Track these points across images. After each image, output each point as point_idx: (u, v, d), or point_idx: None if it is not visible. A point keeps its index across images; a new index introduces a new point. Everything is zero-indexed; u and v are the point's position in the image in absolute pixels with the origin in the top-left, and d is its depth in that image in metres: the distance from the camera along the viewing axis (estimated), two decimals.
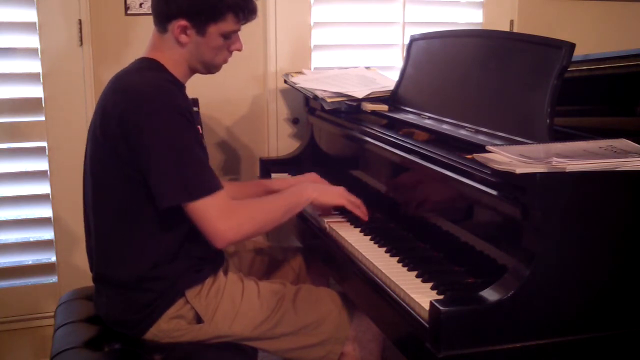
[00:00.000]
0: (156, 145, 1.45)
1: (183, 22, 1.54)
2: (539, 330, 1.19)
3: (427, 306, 1.17)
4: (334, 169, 2.22)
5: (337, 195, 1.73)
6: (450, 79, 1.80)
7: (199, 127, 1.65)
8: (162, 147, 1.45)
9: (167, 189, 1.45)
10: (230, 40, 1.61)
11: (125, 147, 1.47)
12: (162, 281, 1.54)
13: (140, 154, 1.46)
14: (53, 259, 2.37)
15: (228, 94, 2.46)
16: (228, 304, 1.59)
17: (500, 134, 1.51)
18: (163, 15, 1.56)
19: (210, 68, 1.64)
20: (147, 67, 1.58)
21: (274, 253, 1.97)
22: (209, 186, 1.47)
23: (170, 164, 1.45)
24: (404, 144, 1.64)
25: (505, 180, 1.23)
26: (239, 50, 1.65)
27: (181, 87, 1.61)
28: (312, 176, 1.91)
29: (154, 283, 1.54)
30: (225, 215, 1.49)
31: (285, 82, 2.37)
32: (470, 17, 2.73)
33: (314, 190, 1.70)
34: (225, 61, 1.65)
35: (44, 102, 2.26)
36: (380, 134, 1.78)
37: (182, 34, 1.55)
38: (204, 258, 1.58)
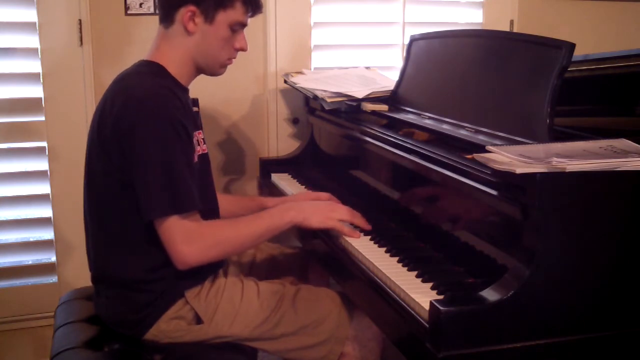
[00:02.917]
0: (143, 156, 1.43)
1: (192, 8, 1.53)
2: (539, 330, 1.19)
3: (427, 306, 1.17)
4: (334, 169, 2.22)
5: (325, 218, 1.59)
6: (450, 79, 1.80)
7: (200, 131, 1.63)
8: (148, 158, 1.43)
9: (147, 203, 1.44)
10: (236, 34, 1.60)
11: (118, 152, 1.46)
12: (161, 282, 1.54)
13: (129, 162, 1.44)
14: (53, 259, 2.37)
15: (228, 94, 2.46)
16: (228, 304, 1.59)
17: (500, 134, 1.51)
18: (172, 3, 1.55)
19: (215, 66, 1.62)
20: (148, 71, 1.56)
21: (274, 253, 1.97)
22: (183, 205, 1.44)
23: (152, 177, 1.43)
24: (404, 144, 1.64)
25: (505, 180, 1.23)
26: (244, 49, 1.63)
27: (183, 91, 1.59)
28: (303, 195, 1.87)
29: (154, 284, 1.54)
30: (190, 238, 1.45)
31: (285, 82, 2.37)
32: (470, 17, 2.73)
33: (299, 212, 1.58)
34: (229, 60, 1.63)
35: (44, 102, 2.27)
36: (380, 134, 1.78)
37: (190, 22, 1.54)
38: None
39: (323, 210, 1.61)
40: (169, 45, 1.58)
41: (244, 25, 1.61)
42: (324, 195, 1.82)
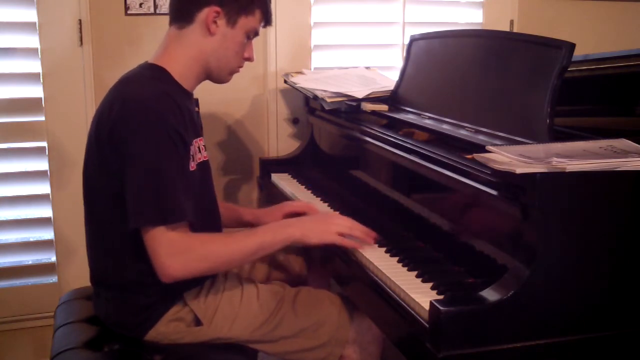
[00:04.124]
0: (134, 162, 1.41)
1: (217, 9, 1.53)
2: (539, 330, 1.19)
3: (427, 306, 1.17)
4: (334, 169, 2.22)
5: (323, 233, 1.53)
6: (450, 79, 1.80)
7: (201, 138, 1.62)
8: (139, 166, 1.41)
9: (133, 210, 1.41)
10: (248, 42, 1.61)
11: (115, 157, 1.44)
12: (160, 284, 1.53)
13: (122, 168, 1.43)
14: (53, 259, 2.37)
15: (228, 94, 2.46)
16: (227, 306, 1.58)
17: (500, 134, 1.51)
18: (195, 2, 1.54)
19: (225, 72, 1.61)
20: (150, 75, 1.54)
21: (274, 254, 1.96)
22: (171, 215, 1.40)
23: (141, 185, 1.41)
24: (404, 144, 1.64)
25: (505, 180, 1.23)
26: (252, 59, 1.64)
27: (186, 96, 1.57)
28: (286, 206, 1.84)
29: (152, 286, 1.52)
30: (174, 250, 1.40)
31: (285, 82, 2.37)
32: (470, 17, 2.73)
33: (297, 229, 1.53)
34: (237, 69, 1.64)
35: (44, 102, 2.27)
36: (380, 134, 1.78)
37: (213, 23, 1.54)
38: None
39: (321, 225, 1.56)
40: (179, 46, 1.56)
41: (257, 34, 1.62)
42: (286, 205, 1.81)
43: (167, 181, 1.41)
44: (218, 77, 1.63)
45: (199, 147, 1.57)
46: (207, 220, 1.58)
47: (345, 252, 1.58)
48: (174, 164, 1.44)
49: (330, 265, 1.73)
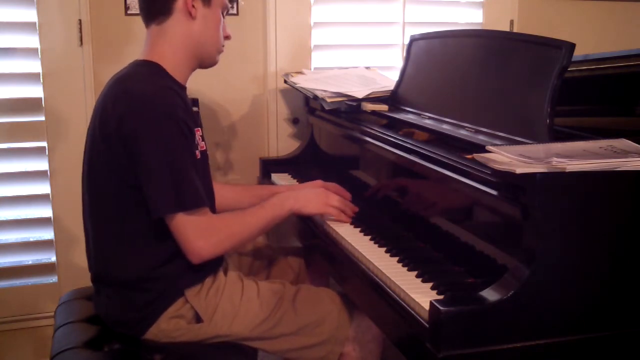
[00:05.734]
0: (150, 156, 1.45)
1: None
2: (539, 330, 1.19)
3: (427, 306, 1.17)
4: (334, 169, 2.22)
5: (320, 204, 1.70)
6: (450, 79, 1.80)
7: (199, 128, 1.64)
8: (156, 159, 1.45)
9: (156, 201, 1.46)
10: (223, 20, 1.66)
11: (122, 151, 1.47)
12: (161, 280, 1.54)
13: (136, 162, 1.46)
14: (53, 259, 2.38)
15: (228, 94, 2.46)
16: (227, 303, 1.59)
17: (500, 134, 1.51)
18: None
19: (214, 53, 1.65)
20: (148, 71, 1.57)
21: (274, 253, 1.97)
22: (192, 202, 1.48)
23: (161, 177, 1.45)
24: (404, 144, 1.64)
25: (505, 180, 1.23)
26: (230, 37, 1.69)
27: (182, 89, 1.61)
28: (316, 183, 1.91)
29: (154, 282, 1.54)
30: (204, 232, 1.49)
31: (285, 82, 2.37)
32: (470, 17, 2.73)
33: (295, 201, 1.67)
34: (222, 48, 1.67)
35: (44, 102, 2.27)
36: (380, 134, 1.78)
37: (192, 7, 1.57)
38: None
39: (319, 197, 1.71)
40: (165, 41, 1.59)
41: (228, 11, 1.68)
42: (317, 183, 1.91)
43: (183, 170, 1.47)
44: (209, 59, 1.67)
45: (199, 137, 1.61)
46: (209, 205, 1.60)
47: (345, 252, 1.59)
48: (186, 154, 1.50)
49: (330, 265, 1.73)
